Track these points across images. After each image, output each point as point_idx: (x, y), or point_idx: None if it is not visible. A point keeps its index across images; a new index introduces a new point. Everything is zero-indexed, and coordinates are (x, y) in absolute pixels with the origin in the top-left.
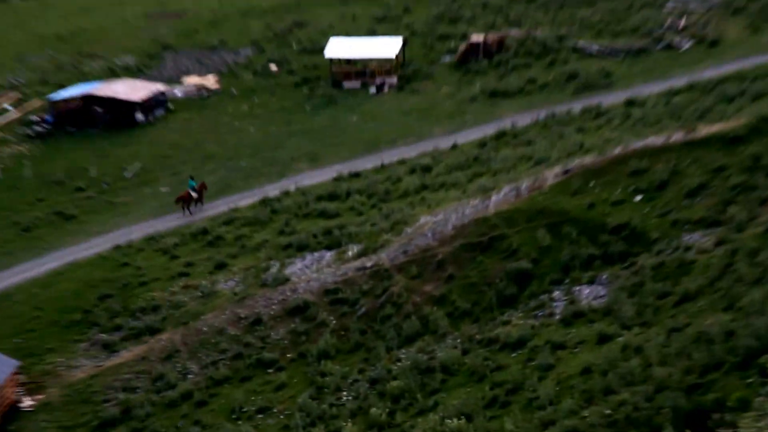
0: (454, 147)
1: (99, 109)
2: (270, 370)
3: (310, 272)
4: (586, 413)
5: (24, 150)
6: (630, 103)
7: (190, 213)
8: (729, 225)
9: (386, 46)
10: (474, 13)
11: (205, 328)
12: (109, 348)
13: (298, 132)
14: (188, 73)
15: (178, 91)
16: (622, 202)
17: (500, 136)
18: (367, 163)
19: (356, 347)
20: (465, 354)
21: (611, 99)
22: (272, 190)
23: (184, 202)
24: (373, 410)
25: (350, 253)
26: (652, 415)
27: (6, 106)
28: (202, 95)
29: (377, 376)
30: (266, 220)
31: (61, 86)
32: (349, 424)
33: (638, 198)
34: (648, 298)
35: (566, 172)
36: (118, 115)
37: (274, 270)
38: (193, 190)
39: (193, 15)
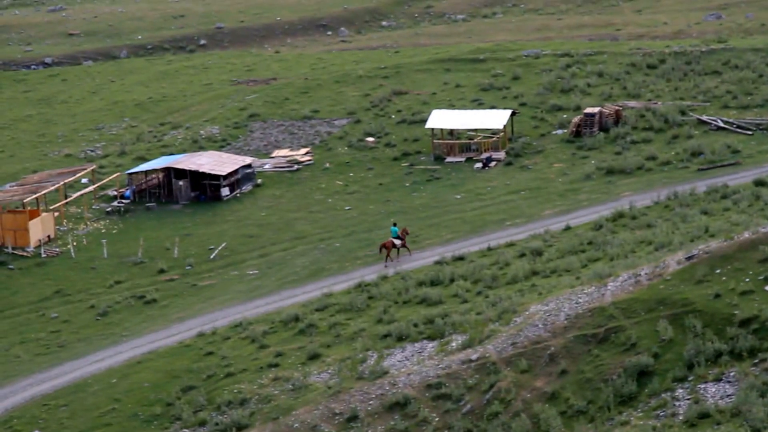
0: (567, 229)
1: (181, 184)
2: None
3: (410, 364)
4: None
5: (101, 227)
6: (760, 183)
7: (391, 261)
8: None
9: (493, 118)
10: (588, 83)
11: (296, 425)
12: None
13: (397, 210)
14: (278, 145)
15: (266, 165)
16: (751, 292)
17: (617, 217)
18: (472, 246)
19: None
20: None
21: (739, 178)
22: (369, 274)
23: (388, 250)
24: None
25: (454, 345)
26: None
27: (82, 179)
28: (292, 169)
29: None
30: (363, 306)
31: (141, 158)
32: None
33: None
34: None
35: (690, 258)
36: (202, 190)
37: (371, 362)
38: (397, 237)
39: (283, 82)
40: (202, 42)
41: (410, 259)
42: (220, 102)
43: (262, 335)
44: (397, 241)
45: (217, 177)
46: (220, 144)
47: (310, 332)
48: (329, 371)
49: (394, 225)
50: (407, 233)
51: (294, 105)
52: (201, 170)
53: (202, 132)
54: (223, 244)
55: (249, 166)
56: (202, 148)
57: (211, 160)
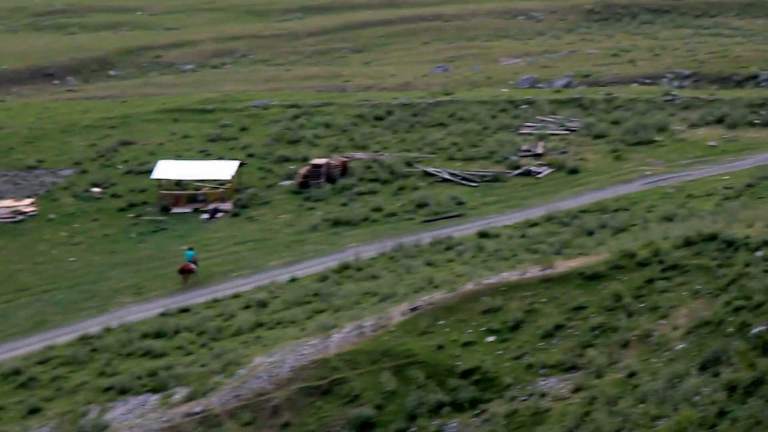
0: (293, 280)
1: None
2: None
3: (132, 418)
4: None
5: None
6: (483, 234)
7: (185, 285)
8: (587, 370)
9: (220, 169)
10: (316, 134)
11: None
12: None
13: (123, 262)
14: (1, 195)
15: None
16: (473, 343)
17: (343, 269)
18: (197, 298)
19: None
20: None
21: (463, 230)
22: (93, 327)
23: (186, 274)
24: None
25: (177, 397)
26: None
27: None
28: (15, 220)
29: None
30: (86, 359)
31: None
32: None
33: (490, 339)
34: None
35: (413, 309)
36: None
37: (92, 415)
38: (192, 261)
39: (7, 132)
40: None
41: (135, 311)
42: None
43: None
44: (193, 266)
45: None
46: None
47: (31, 385)
48: (50, 425)
49: (190, 249)
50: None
51: (18, 155)
52: None
53: None
54: None
55: None
56: None
57: None
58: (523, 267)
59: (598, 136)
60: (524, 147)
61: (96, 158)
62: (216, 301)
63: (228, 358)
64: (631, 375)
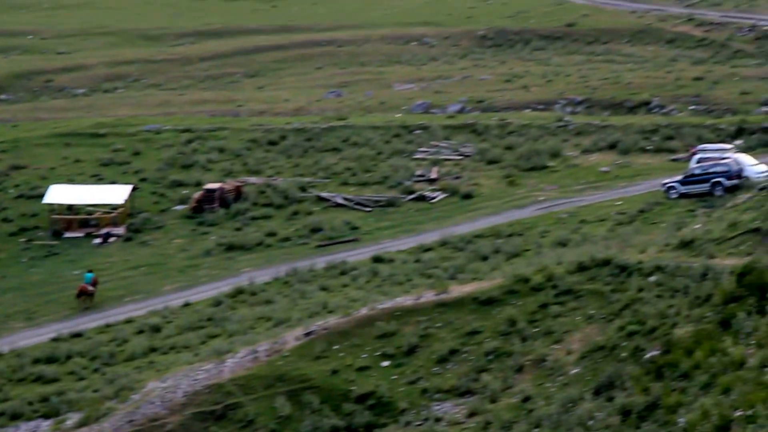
0: (186, 305)
1: None
2: None
3: None
4: None
5: None
6: (378, 259)
7: (85, 307)
8: (482, 394)
9: (113, 193)
10: (210, 159)
11: None
12: None
13: (14, 287)
14: None
15: None
16: (368, 368)
17: (237, 293)
18: (90, 323)
19: None
20: None
21: (358, 254)
22: None
23: (84, 296)
24: None
25: (69, 423)
26: None
27: None
28: None
29: None
30: None
31: None
32: None
33: (385, 364)
34: None
35: (308, 334)
36: None
37: None
38: (91, 283)
39: None
40: None
41: (26, 336)
42: None
43: None
44: (92, 288)
45: None
46: None
47: None
48: None
49: (90, 271)
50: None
51: None
52: None
53: None
54: None
55: None
56: None
57: None
58: (417, 292)
59: (491, 162)
60: (418, 172)
61: None
62: (109, 326)
63: (121, 384)
64: (526, 399)
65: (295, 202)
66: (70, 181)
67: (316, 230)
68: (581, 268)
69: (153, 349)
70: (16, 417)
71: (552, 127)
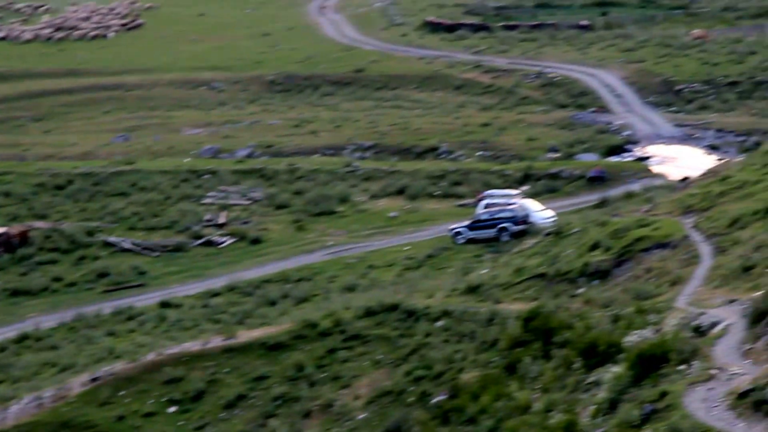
0: None
1: None
2: None
3: None
4: None
5: None
6: (165, 304)
7: None
8: None
9: None
10: None
11: None
12: None
13: None
14: None
15: None
16: (154, 413)
17: (22, 339)
18: None
19: None
20: None
21: (145, 300)
22: None
23: None
24: None
25: None
26: None
27: None
28: None
29: None
30: None
31: None
32: None
33: (172, 409)
34: None
35: (94, 380)
36: None
37: None
38: None
39: None
40: None
41: None
42: None
43: None
44: None
45: None
46: None
47: None
48: None
49: None
50: None
51: None
52: None
53: None
54: None
55: None
56: None
57: None
58: (205, 337)
59: (280, 207)
60: (206, 217)
61: None
62: None
63: None
64: None
65: (82, 247)
66: None
67: (103, 275)
68: (369, 313)
69: None
70: None
71: (341, 172)
